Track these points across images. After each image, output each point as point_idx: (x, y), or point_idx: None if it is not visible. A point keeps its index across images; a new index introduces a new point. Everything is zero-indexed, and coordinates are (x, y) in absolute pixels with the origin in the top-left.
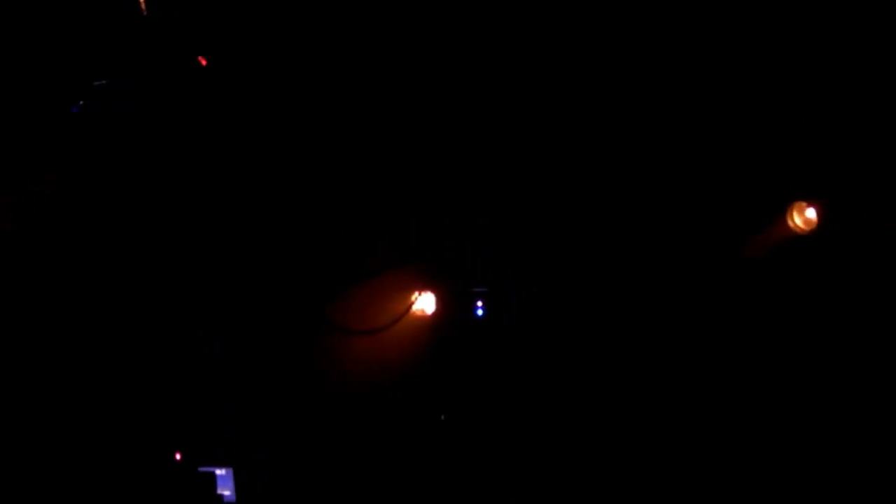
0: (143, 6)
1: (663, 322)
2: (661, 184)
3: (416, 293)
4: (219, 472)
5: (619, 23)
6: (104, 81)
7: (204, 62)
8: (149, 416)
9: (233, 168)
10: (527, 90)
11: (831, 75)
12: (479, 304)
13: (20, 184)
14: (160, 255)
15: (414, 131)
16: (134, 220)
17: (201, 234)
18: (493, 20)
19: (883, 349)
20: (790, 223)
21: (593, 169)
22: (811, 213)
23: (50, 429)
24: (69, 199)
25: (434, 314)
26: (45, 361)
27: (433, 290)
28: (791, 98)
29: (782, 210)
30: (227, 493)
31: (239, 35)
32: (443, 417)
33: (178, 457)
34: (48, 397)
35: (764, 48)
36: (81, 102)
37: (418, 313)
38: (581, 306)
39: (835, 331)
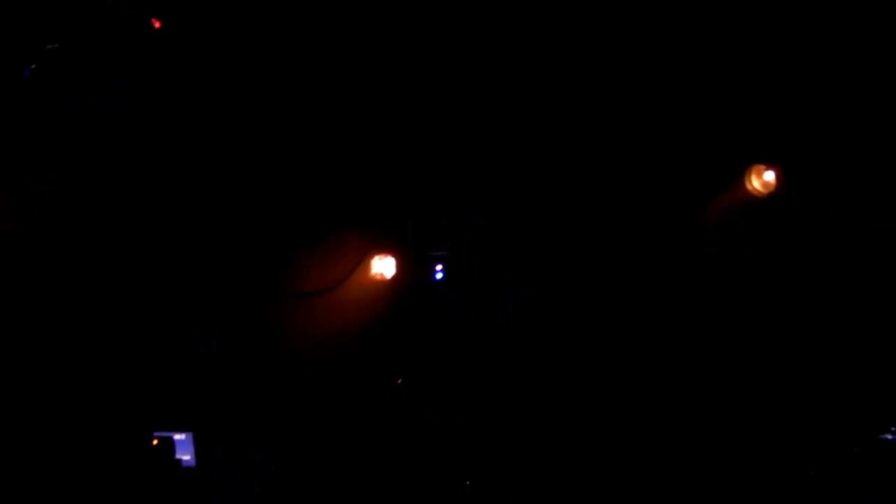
0: None
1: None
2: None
3: (374, 256)
4: (177, 436)
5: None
6: (56, 46)
7: (157, 24)
8: (112, 384)
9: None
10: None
11: (788, 40)
12: (439, 267)
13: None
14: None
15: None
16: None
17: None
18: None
19: (843, 309)
20: (748, 186)
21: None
22: (769, 176)
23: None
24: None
25: (393, 278)
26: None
27: (393, 254)
28: (750, 61)
29: (740, 173)
30: (186, 458)
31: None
32: (399, 381)
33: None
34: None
35: (720, 14)
36: (33, 66)
37: (378, 277)
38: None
39: (795, 294)
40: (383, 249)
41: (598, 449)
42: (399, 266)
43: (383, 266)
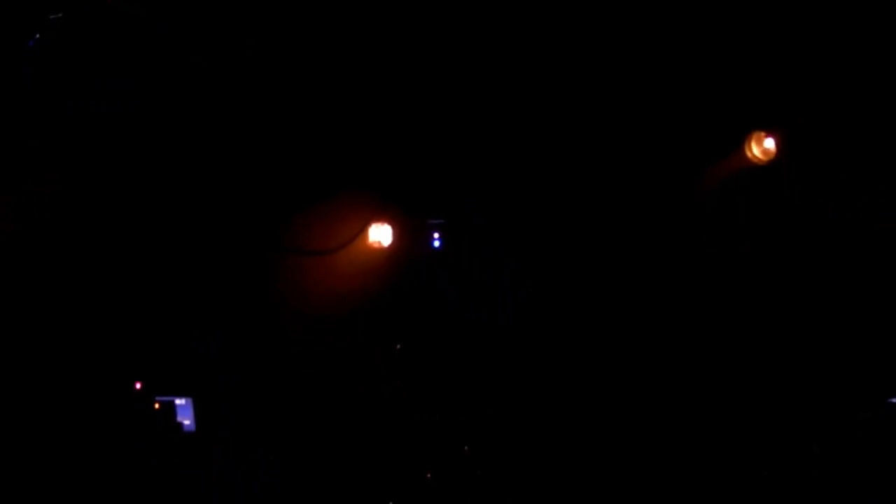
0: None
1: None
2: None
3: (373, 223)
4: (178, 401)
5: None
6: (60, 15)
7: None
8: (109, 346)
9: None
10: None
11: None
12: (436, 235)
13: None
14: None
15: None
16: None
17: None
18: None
19: (844, 274)
20: (748, 153)
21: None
22: (769, 144)
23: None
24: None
25: (391, 246)
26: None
27: (390, 222)
28: (749, 29)
29: (740, 140)
30: (186, 422)
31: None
32: (398, 346)
33: (137, 386)
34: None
35: None
36: (37, 36)
37: (375, 245)
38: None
39: (796, 262)
40: (381, 217)
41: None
42: (396, 235)
43: (381, 234)
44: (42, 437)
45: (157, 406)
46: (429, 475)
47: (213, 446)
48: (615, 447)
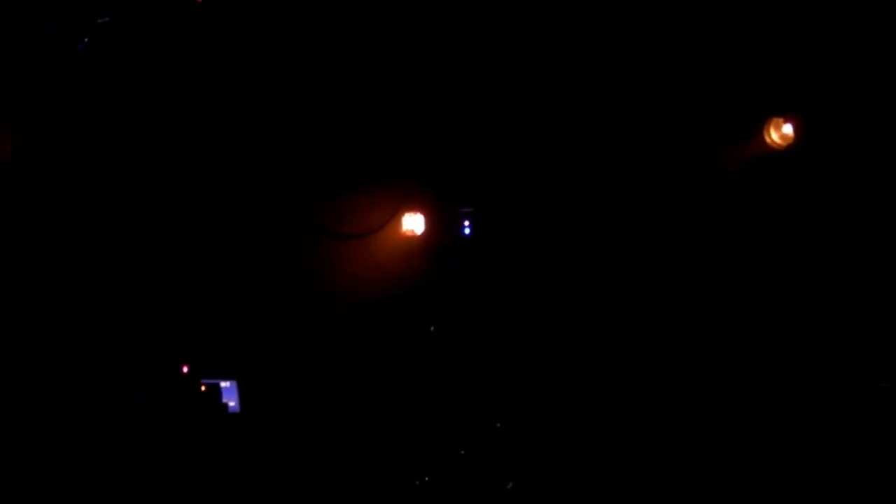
0: None
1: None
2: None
3: (406, 212)
4: (223, 384)
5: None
6: (107, 18)
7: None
8: (155, 330)
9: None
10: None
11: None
12: (467, 223)
13: None
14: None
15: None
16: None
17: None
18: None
19: (862, 263)
20: (767, 139)
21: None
22: (788, 129)
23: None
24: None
25: (424, 233)
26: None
27: (422, 211)
28: (767, 14)
29: (760, 125)
30: (231, 404)
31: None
32: (432, 329)
33: (185, 370)
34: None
35: None
36: (86, 40)
37: (409, 233)
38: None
39: (813, 245)
40: (413, 206)
41: (628, 415)
42: (428, 222)
43: (414, 223)
44: (88, 418)
45: (203, 388)
46: (462, 452)
47: (258, 427)
48: (645, 423)
